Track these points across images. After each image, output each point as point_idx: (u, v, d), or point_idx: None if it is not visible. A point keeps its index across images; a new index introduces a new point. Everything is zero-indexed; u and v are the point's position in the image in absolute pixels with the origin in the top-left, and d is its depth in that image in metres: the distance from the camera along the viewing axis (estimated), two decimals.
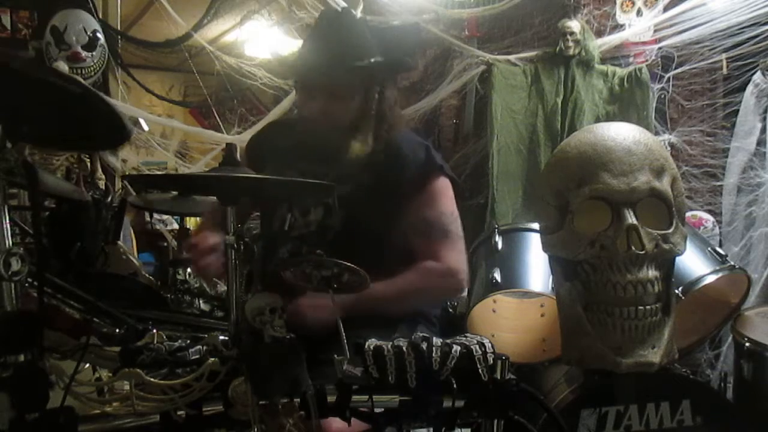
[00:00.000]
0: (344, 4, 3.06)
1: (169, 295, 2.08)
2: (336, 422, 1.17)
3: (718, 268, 2.06)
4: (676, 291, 1.89)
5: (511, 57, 3.77)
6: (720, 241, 3.15)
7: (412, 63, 1.83)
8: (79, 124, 1.09)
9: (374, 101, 1.74)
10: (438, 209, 1.70)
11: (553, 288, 2.06)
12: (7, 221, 1.00)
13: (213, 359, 1.07)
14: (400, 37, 1.85)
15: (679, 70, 3.35)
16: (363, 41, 1.73)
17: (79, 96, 1.02)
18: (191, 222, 3.02)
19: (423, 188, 1.69)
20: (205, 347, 1.11)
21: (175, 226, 4.31)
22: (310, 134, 1.77)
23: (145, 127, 4.16)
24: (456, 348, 1.15)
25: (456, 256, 1.70)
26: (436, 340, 1.16)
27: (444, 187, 1.73)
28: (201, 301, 2.21)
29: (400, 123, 1.80)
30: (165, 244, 4.46)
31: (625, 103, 3.47)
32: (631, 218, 1.68)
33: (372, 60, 1.69)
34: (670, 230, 1.72)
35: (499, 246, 2.33)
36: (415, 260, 1.69)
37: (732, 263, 2.11)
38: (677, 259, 1.79)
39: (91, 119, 1.09)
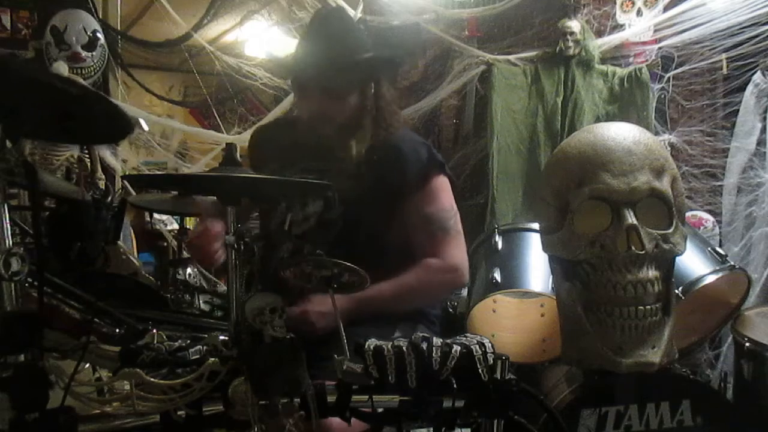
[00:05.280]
0: (342, 4, 3.06)
1: (169, 295, 2.08)
2: (336, 420, 1.17)
3: (718, 268, 2.06)
4: (676, 291, 1.89)
5: (511, 57, 3.77)
6: (720, 241, 3.14)
7: (406, 58, 1.83)
8: (79, 122, 1.09)
9: (370, 99, 1.74)
10: (437, 206, 1.70)
11: (553, 288, 2.06)
12: (7, 221, 1.00)
13: (213, 359, 1.07)
14: (400, 37, 1.85)
15: (679, 70, 3.34)
16: (355, 38, 1.72)
17: (78, 96, 1.02)
18: (191, 222, 3.02)
19: (423, 186, 1.70)
20: (205, 347, 1.11)
21: (175, 226, 4.31)
22: (310, 132, 1.76)
23: (145, 127, 4.15)
24: (456, 348, 1.15)
25: (456, 252, 1.71)
26: (436, 340, 1.16)
27: (443, 185, 1.74)
28: (201, 301, 2.20)
29: (398, 121, 1.79)
30: (165, 244, 4.46)
31: (625, 103, 3.46)
32: (631, 218, 1.67)
33: (364, 56, 1.69)
34: (670, 230, 1.72)
35: (499, 246, 2.33)
36: (415, 258, 1.69)
37: (732, 263, 2.11)
38: (677, 259, 1.78)
39: (92, 117, 1.09)
